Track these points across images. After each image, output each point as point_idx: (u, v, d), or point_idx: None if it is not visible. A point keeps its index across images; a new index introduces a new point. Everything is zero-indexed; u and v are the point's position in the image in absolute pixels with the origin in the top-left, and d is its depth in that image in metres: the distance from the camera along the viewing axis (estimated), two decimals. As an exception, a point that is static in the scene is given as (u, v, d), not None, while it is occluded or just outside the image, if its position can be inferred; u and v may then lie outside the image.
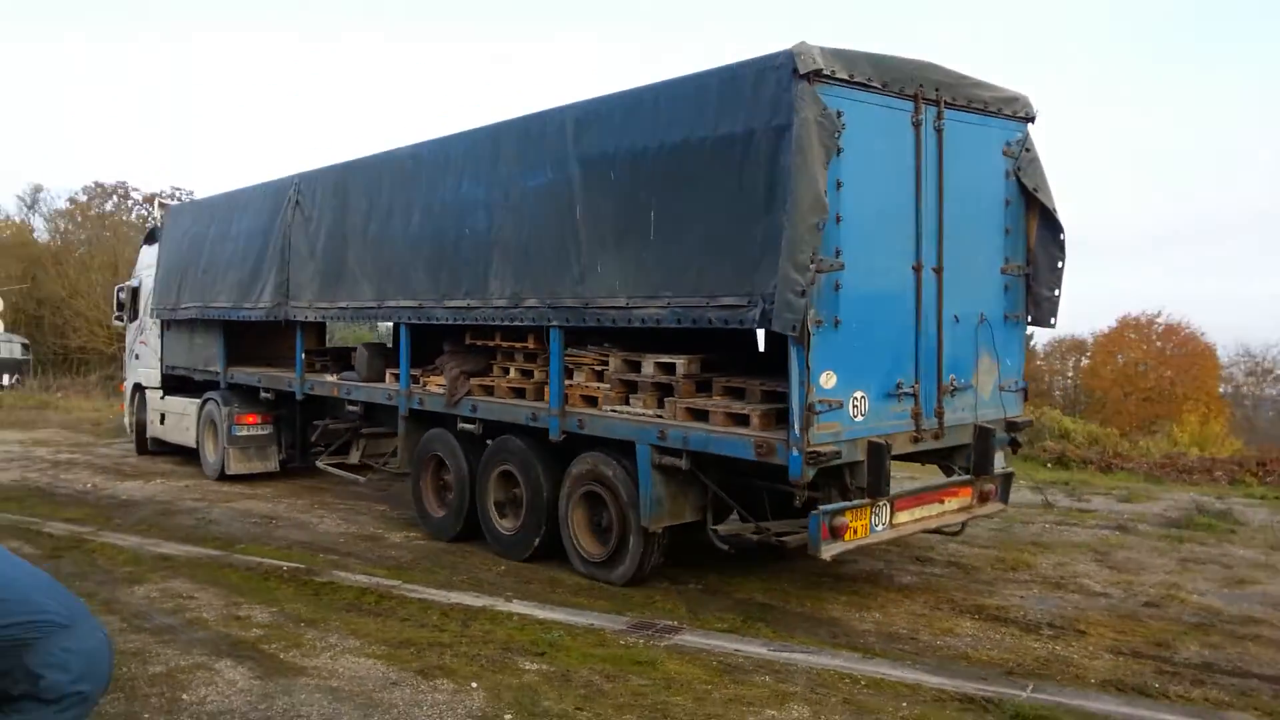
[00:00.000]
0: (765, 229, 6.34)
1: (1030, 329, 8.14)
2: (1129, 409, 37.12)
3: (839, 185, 6.36)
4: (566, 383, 8.25)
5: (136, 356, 16.87)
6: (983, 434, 7.49)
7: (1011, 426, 7.90)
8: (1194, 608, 7.50)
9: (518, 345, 9.02)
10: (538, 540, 8.57)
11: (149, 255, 16.38)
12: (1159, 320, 41.25)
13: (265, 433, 13.48)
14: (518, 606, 7.39)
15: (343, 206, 10.94)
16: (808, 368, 6.25)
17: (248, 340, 13.83)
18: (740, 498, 7.69)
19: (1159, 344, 41.43)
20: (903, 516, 7.14)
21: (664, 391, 7.64)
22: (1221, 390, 40.76)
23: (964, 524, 7.86)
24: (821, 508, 6.53)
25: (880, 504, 6.86)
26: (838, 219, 6.36)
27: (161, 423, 15.65)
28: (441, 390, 9.50)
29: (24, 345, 35.73)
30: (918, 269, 7.03)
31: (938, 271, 7.14)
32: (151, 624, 7.00)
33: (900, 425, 6.98)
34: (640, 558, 7.78)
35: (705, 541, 7.74)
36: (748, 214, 6.50)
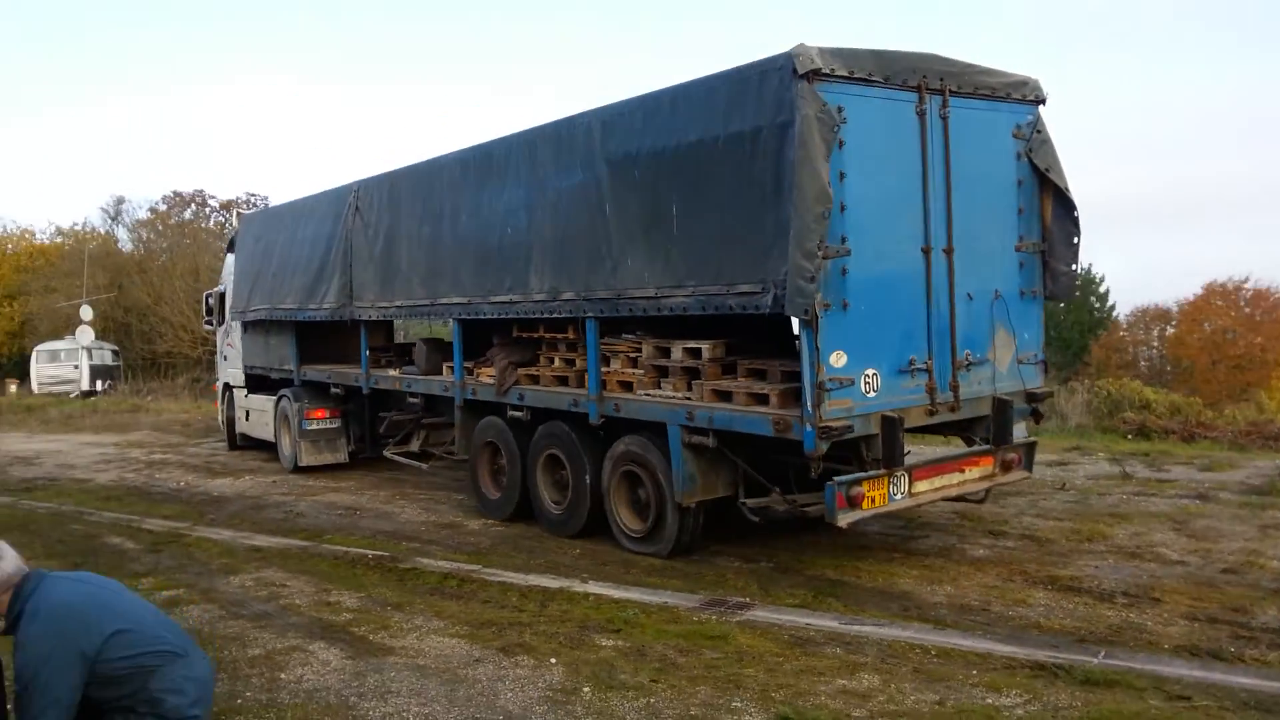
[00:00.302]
0: (775, 220, 6.74)
1: (1060, 303, 8.36)
2: (1218, 378, 36.25)
3: (842, 176, 6.74)
4: (603, 370, 8.75)
5: (225, 358, 17.90)
6: (1000, 406, 7.79)
7: (1031, 398, 8.17)
8: (1273, 573, 7.43)
9: (560, 336, 9.54)
10: (584, 518, 9.10)
11: (232, 262, 17.31)
12: (1246, 286, 40.09)
13: (334, 426, 14.25)
14: (593, 587, 7.63)
15: (398, 211, 11.59)
16: (817, 348, 6.66)
17: (320, 339, 14.56)
18: (769, 472, 8.09)
19: (1247, 310, 40.30)
20: (922, 485, 7.48)
21: (692, 375, 8.09)
22: (1315, 355, 39.56)
23: (987, 491, 8.17)
24: (836, 479, 6.93)
25: (898, 474, 7.22)
26: (842, 208, 6.74)
27: (247, 419, 16.62)
28: (492, 381, 10.07)
29: (114, 352, 37.46)
30: (927, 251, 7.36)
31: (948, 252, 7.47)
32: (248, 611, 7.41)
33: (914, 400, 7.33)
34: (678, 531, 8.24)
35: (777, 521, 7.92)
36: (759, 206, 6.91)
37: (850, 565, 7.98)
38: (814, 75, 6.57)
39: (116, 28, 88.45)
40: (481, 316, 10.30)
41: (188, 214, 43.53)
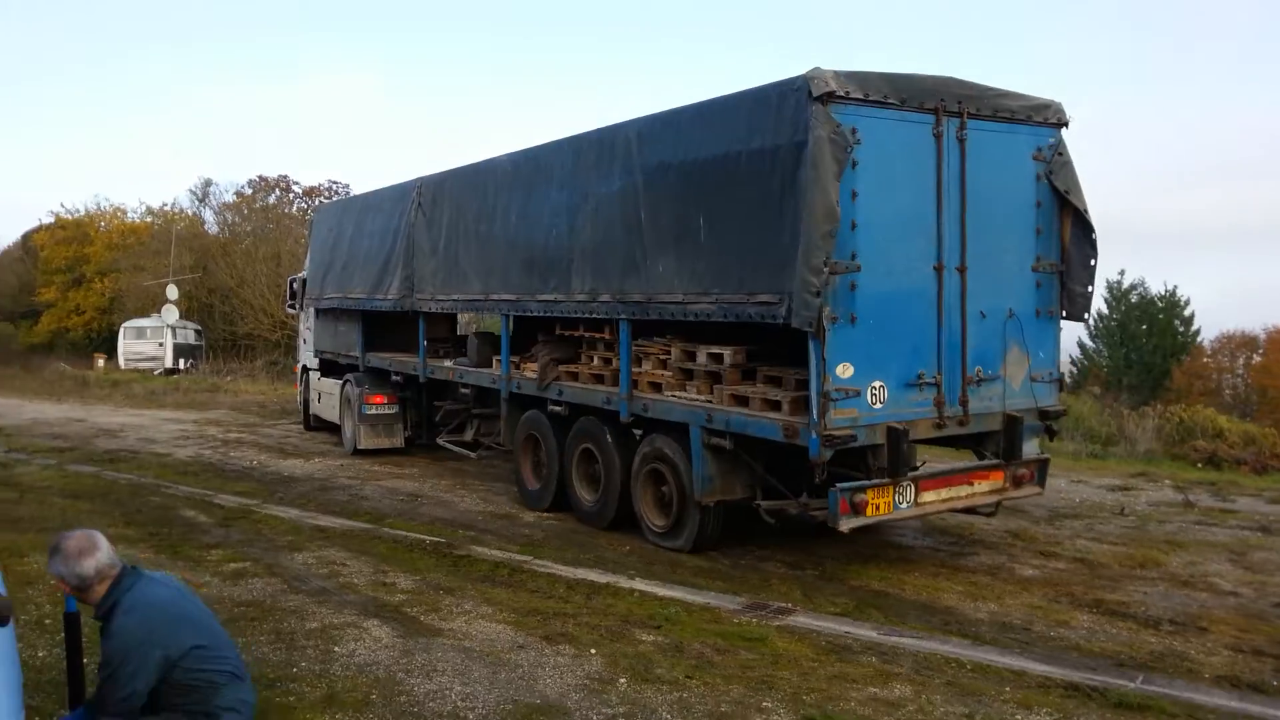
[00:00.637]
0: (790, 234, 7.08)
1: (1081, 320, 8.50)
2: None
3: (854, 195, 7.05)
4: (635, 370, 9.16)
5: (305, 341, 18.74)
6: (1011, 422, 8.02)
7: (1044, 415, 8.37)
8: None
9: (598, 336, 9.98)
10: (613, 512, 9.55)
11: None
12: None
13: (392, 412, 14.90)
14: (639, 584, 7.79)
15: (457, 208, 12.16)
16: (824, 359, 6.99)
17: (386, 328, 15.13)
18: (790, 477, 8.41)
19: None
20: (929, 496, 7.76)
21: (715, 379, 8.47)
22: None
23: (998, 505, 8.39)
24: (840, 485, 7.25)
25: (904, 483, 7.52)
26: (853, 225, 7.06)
27: (319, 401, 17.47)
28: (534, 376, 10.57)
29: (197, 331, 38.86)
30: (939, 269, 7.63)
31: (961, 271, 7.73)
32: (309, 586, 7.73)
33: (922, 413, 7.61)
34: (699, 529, 8.64)
35: (827, 530, 7.92)
36: (776, 221, 7.26)
37: (895, 578, 8.08)
38: (828, 98, 6.89)
39: (216, 19, 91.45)
40: (528, 313, 10.83)
41: (272, 199, 44.72)
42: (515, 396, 11.20)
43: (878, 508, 7.39)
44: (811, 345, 7.05)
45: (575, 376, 10.18)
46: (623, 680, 5.73)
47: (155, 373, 33.93)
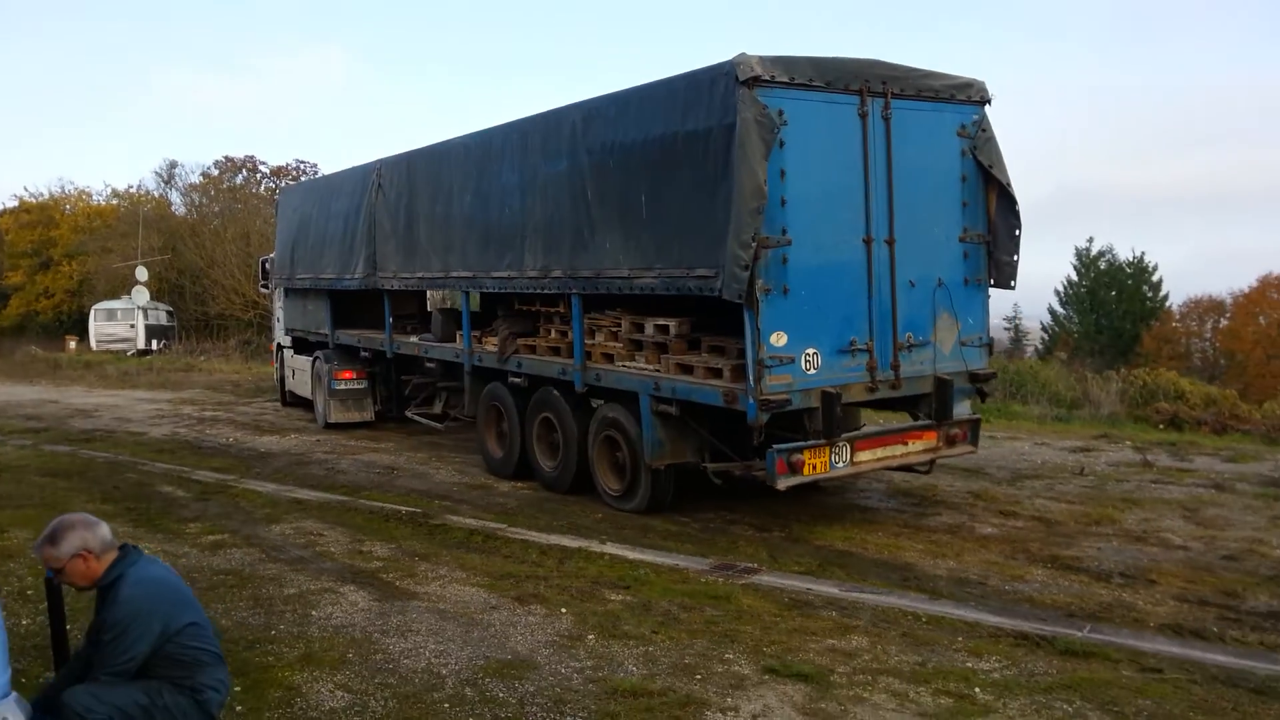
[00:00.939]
0: (723, 211, 7.49)
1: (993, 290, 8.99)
2: (1273, 371, 35.78)
3: (782, 174, 7.47)
4: (589, 342, 9.58)
5: (278, 320, 19.04)
6: (941, 385, 8.50)
7: (974, 378, 8.86)
8: (1273, 561, 7.55)
9: (554, 310, 10.39)
10: (572, 477, 9.99)
11: None
12: None
13: (361, 387, 15.28)
14: (611, 548, 8.01)
15: (414, 189, 12.50)
16: (758, 329, 7.43)
17: (355, 305, 15.49)
18: (737, 440, 8.83)
19: None
20: (864, 455, 8.24)
21: (662, 350, 8.90)
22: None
23: (932, 463, 8.89)
24: (777, 446, 7.72)
25: (840, 444, 7.99)
26: (783, 202, 7.48)
27: (293, 378, 17.82)
28: (494, 349, 10.97)
29: (168, 312, 38.85)
30: (868, 241, 8.07)
31: (889, 243, 8.17)
32: (286, 555, 7.97)
33: (855, 377, 8.07)
34: (651, 491, 9.09)
35: (796, 494, 8.34)
36: (710, 198, 7.67)
37: (859, 537, 8.33)
38: (754, 82, 7.29)
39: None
40: (485, 290, 11.23)
41: (239, 179, 44.66)
42: (478, 370, 11.61)
43: (814, 467, 7.86)
44: (746, 316, 7.49)
45: (533, 349, 10.58)
46: (591, 636, 6.00)
47: (128, 354, 34.04)
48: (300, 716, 5.03)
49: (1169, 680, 5.31)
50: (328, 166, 41.95)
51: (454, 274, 11.64)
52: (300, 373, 17.13)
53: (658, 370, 8.79)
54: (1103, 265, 43.45)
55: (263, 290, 21.66)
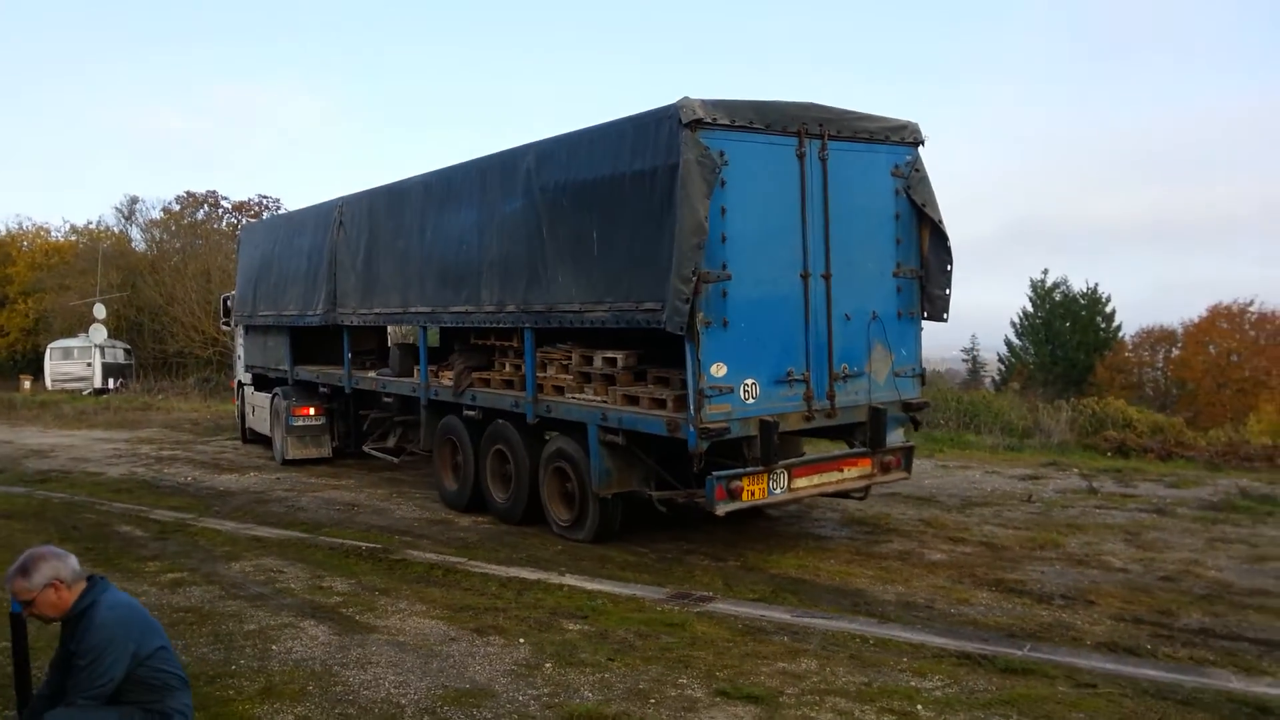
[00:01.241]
0: (668, 247, 7.82)
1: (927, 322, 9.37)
2: (1222, 400, 36.27)
3: (723, 211, 7.83)
4: (540, 375, 9.85)
5: (239, 357, 19.13)
6: (876, 414, 8.86)
7: (908, 407, 9.23)
8: (1207, 581, 7.88)
9: (508, 344, 10.66)
10: (523, 508, 10.21)
11: None
12: (1251, 309, 40.08)
13: (319, 423, 15.39)
14: (569, 579, 8.22)
15: (375, 226, 12.77)
16: (698, 360, 7.76)
17: (315, 342, 15.69)
18: (680, 470, 9.10)
19: (1252, 334, 40.36)
20: (801, 482, 8.55)
21: (610, 381, 9.19)
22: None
23: (867, 489, 9.23)
24: (715, 473, 8.01)
25: (777, 470, 8.29)
26: (723, 238, 7.84)
27: (253, 414, 17.88)
28: (450, 383, 11.20)
29: (126, 350, 38.58)
30: (805, 276, 8.44)
31: (826, 278, 8.55)
32: (246, 592, 8.04)
33: (791, 406, 8.40)
34: (600, 519, 9.33)
35: (751, 524, 8.49)
36: (657, 234, 8.00)
37: (812, 565, 8.56)
38: (697, 124, 7.68)
39: (137, 33, 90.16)
40: (443, 324, 11.50)
41: (200, 214, 44.63)
42: (434, 403, 11.83)
43: (753, 493, 8.16)
44: (688, 347, 7.81)
45: (488, 383, 10.83)
46: (548, 665, 6.17)
47: (84, 393, 33.75)
48: (262, 748, 5.13)
49: (1102, 694, 5.56)
50: (290, 202, 42.09)
51: (413, 309, 11.88)
52: (260, 409, 17.21)
53: (605, 401, 9.07)
54: (1057, 297, 44.30)
55: (224, 327, 21.77)
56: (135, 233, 46.63)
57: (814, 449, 10.29)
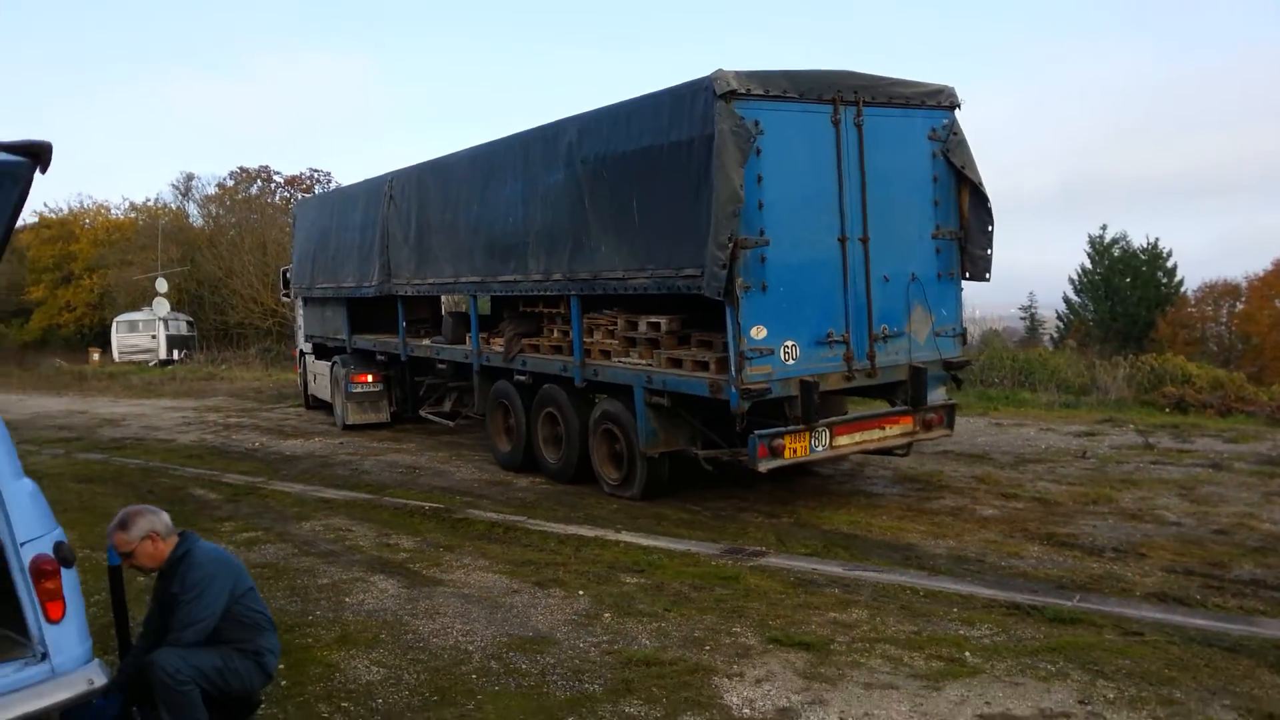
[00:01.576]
0: (706, 215, 8.07)
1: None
2: None
3: (760, 179, 8.05)
4: (587, 340, 10.18)
5: (299, 327, 19.74)
6: (916, 373, 9.06)
7: (949, 365, 9.41)
8: (1261, 534, 7.83)
9: (556, 311, 11.01)
10: (574, 468, 10.60)
11: None
12: None
13: (377, 389, 15.93)
14: (626, 536, 8.42)
15: (425, 200, 13.16)
16: (738, 323, 8.02)
17: (372, 311, 16.14)
18: (726, 428, 9.40)
19: None
20: (843, 439, 8.81)
21: (654, 345, 9.49)
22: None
23: (910, 445, 9.46)
24: (758, 431, 8.30)
25: (819, 428, 8.56)
26: (760, 205, 8.06)
27: (314, 382, 18.52)
28: (501, 349, 11.60)
29: (189, 322, 39.67)
30: (843, 240, 8.64)
31: (864, 241, 8.75)
32: (317, 549, 8.43)
33: (832, 367, 8.65)
34: (648, 478, 9.68)
35: (804, 482, 8.65)
36: (695, 203, 8.25)
37: (864, 521, 8.69)
38: (731, 95, 7.89)
39: (186, 9, 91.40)
40: (493, 293, 11.91)
41: (254, 189, 45.43)
42: (486, 369, 12.24)
43: (795, 451, 8.45)
44: (728, 311, 8.09)
45: (537, 349, 11.19)
46: (607, 615, 6.43)
47: (150, 364, 34.79)
48: (340, 688, 5.54)
49: (1149, 642, 5.67)
50: (341, 175, 42.69)
51: (463, 279, 12.27)
52: (320, 377, 17.81)
53: (650, 365, 9.38)
54: (1116, 252, 43.49)
55: (284, 299, 22.43)
56: (192, 208, 47.58)
57: (862, 408, 10.51)
